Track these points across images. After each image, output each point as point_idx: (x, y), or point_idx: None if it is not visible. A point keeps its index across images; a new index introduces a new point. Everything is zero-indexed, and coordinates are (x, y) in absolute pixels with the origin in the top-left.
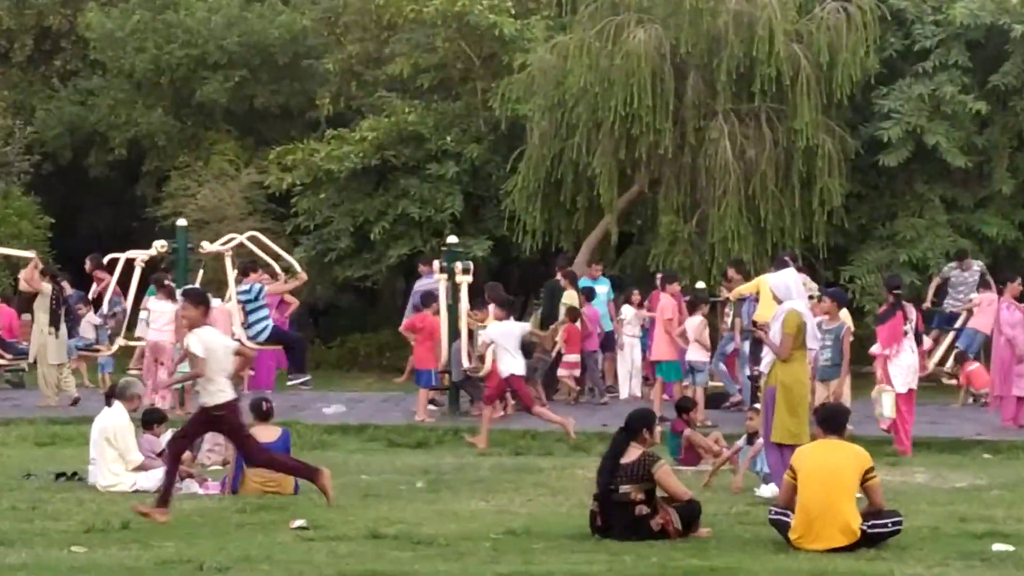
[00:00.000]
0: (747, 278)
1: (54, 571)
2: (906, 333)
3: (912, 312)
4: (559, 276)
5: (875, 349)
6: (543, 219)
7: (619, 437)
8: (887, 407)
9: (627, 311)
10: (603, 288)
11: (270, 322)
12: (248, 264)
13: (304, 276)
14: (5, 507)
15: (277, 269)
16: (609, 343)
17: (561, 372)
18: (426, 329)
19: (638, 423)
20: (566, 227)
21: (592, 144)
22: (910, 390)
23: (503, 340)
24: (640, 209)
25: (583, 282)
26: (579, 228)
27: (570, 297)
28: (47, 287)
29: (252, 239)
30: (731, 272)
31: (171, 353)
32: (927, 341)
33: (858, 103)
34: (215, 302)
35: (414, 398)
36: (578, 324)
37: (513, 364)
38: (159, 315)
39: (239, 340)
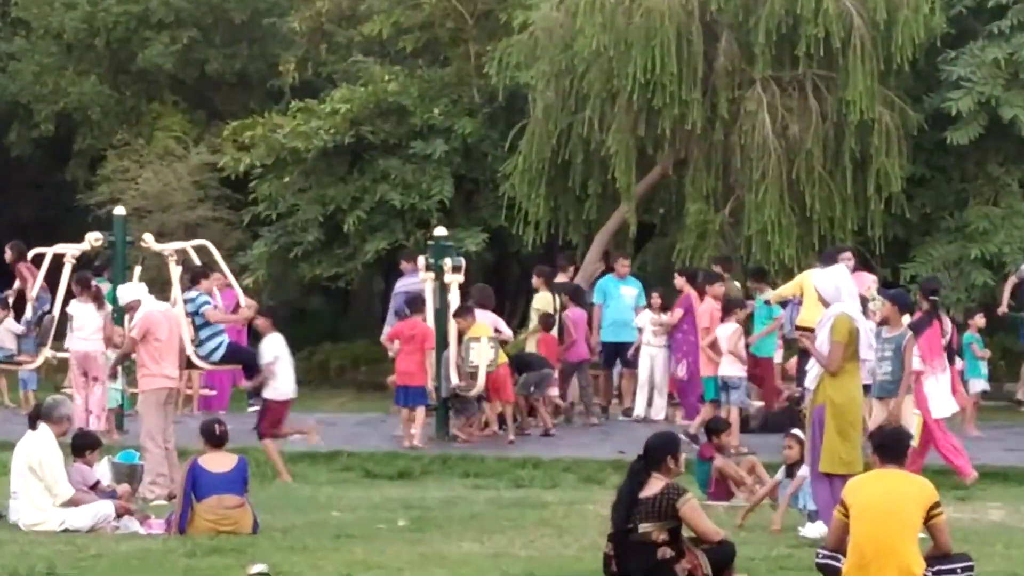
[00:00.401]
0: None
1: None
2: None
3: (948, 324)
4: (535, 276)
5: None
6: (548, 207)
7: (638, 466)
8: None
9: (644, 317)
10: (631, 290)
11: (225, 337)
12: (200, 269)
13: (251, 310)
14: None
15: (231, 280)
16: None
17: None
18: (416, 338)
19: (660, 450)
20: (575, 216)
21: (606, 118)
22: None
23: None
24: (663, 195)
25: (607, 281)
26: (591, 217)
27: (543, 301)
28: None
29: (200, 250)
30: (716, 269)
31: (102, 365)
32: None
33: (921, 70)
34: (163, 306)
35: (396, 420)
36: (554, 332)
37: None
38: (85, 321)
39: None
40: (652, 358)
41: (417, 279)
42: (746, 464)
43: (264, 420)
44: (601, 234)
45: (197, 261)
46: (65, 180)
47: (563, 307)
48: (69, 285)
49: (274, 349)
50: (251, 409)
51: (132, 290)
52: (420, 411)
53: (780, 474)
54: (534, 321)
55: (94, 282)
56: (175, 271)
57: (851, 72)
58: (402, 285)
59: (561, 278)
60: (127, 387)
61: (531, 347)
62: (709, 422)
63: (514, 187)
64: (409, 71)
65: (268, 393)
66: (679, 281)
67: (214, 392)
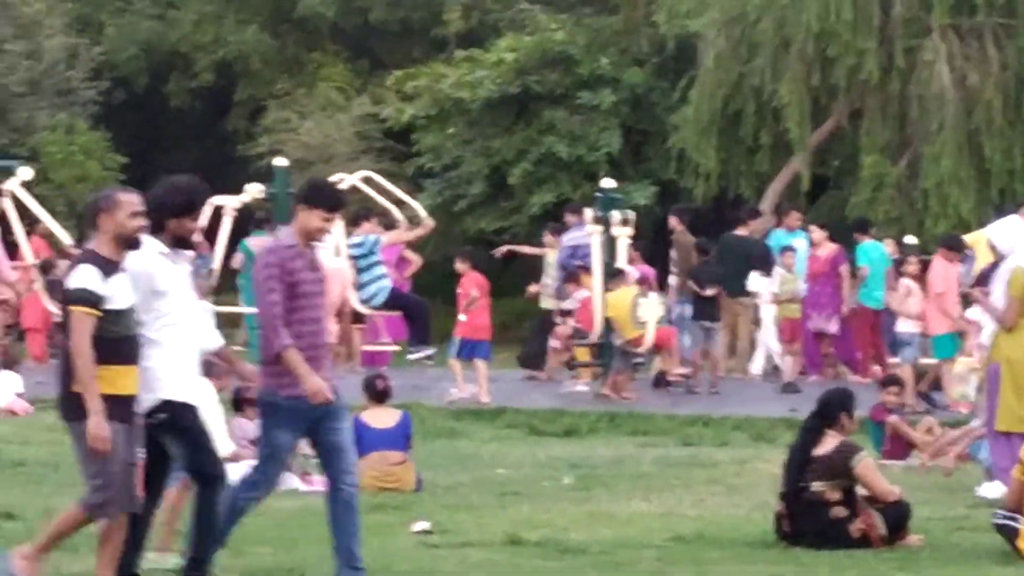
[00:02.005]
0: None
1: None
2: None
3: None
4: (548, 235)
5: (973, 314)
6: (718, 159)
7: (811, 423)
8: (972, 388)
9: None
10: (801, 242)
11: (388, 282)
12: (361, 211)
13: (431, 223)
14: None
15: (398, 216)
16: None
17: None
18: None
19: (834, 406)
20: (746, 169)
21: (779, 68)
22: None
23: None
24: (837, 147)
25: (779, 235)
26: (762, 170)
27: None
28: None
29: (367, 181)
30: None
31: None
32: None
33: None
34: (332, 262)
35: (562, 376)
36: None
37: None
38: None
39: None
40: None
41: (583, 233)
42: (924, 425)
43: None
44: (773, 187)
45: (372, 193)
46: (225, 131)
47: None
48: (230, 236)
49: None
50: (411, 357)
51: None
52: (482, 365)
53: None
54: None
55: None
56: (339, 226)
57: None
58: (568, 239)
59: (742, 232)
60: None
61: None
62: (883, 379)
63: (684, 139)
64: (576, 19)
65: None
66: (818, 236)
67: (390, 346)
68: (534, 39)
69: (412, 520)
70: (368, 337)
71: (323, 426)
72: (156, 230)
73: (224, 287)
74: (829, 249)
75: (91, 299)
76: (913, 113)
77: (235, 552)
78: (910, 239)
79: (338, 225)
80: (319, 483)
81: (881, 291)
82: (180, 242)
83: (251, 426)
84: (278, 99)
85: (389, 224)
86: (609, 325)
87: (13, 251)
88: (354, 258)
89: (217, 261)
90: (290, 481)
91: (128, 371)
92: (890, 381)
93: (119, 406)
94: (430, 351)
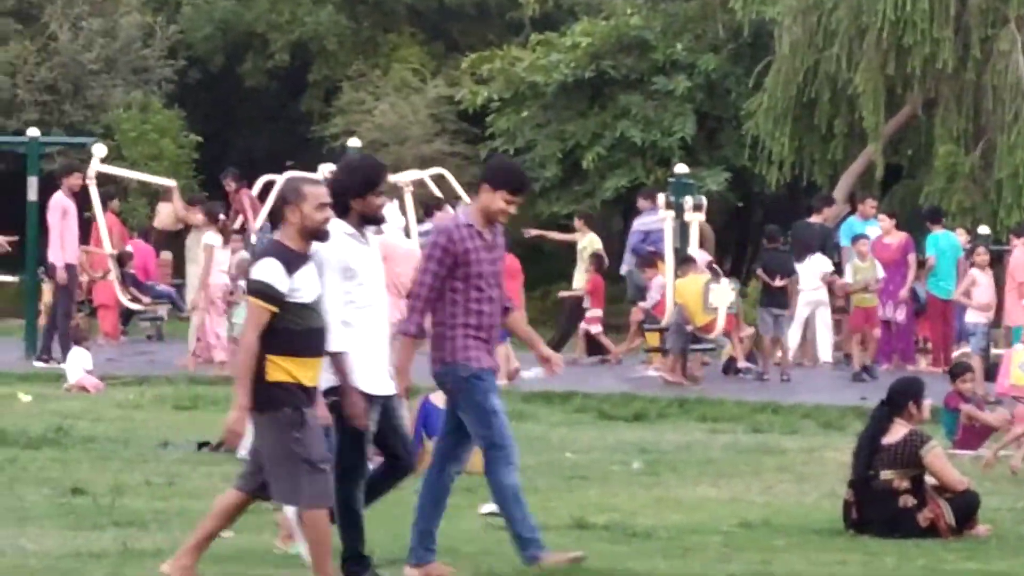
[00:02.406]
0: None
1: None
2: None
3: None
4: (577, 220)
5: None
6: (792, 147)
7: (880, 412)
8: None
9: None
10: (875, 230)
11: None
12: (434, 201)
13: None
14: (138, 482)
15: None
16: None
17: (592, 328)
18: (515, 275)
19: (904, 395)
20: (820, 157)
21: (854, 56)
22: None
23: None
24: (912, 136)
25: (852, 222)
26: (836, 158)
27: (591, 241)
28: (202, 219)
29: (438, 179)
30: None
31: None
32: None
33: None
34: (403, 241)
35: (633, 360)
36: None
37: None
38: (219, 255)
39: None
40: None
41: (656, 217)
42: (997, 417)
43: None
44: (847, 175)
45: (436, 191)
46: (299, 112)
47: None
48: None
49: None
50: None
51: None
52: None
53: None
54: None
55: (221, 216)
56: (410, 202)
57: None
58: (640, 223)
59: (815, 219)
60: None
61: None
62: (953, 367)
63: (758, 125)
64: (652, 4)
65: None
66: (887, 224)
67: None
68: (610, 24)
69: (480, 502)
70: None
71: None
72: (342, 213)
73: None
74: (899, 237)
75: (269, 294)
76: (988, 103)
77: None
78: (983, 229)
79: (409, 207)
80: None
81: (951, 281)
82: (367, 220)
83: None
84: (353, 80)
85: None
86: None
87: (90, 231)
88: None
89: None
90: None
91: (314, 363)
92: (962, 369)
93: (301, 396)
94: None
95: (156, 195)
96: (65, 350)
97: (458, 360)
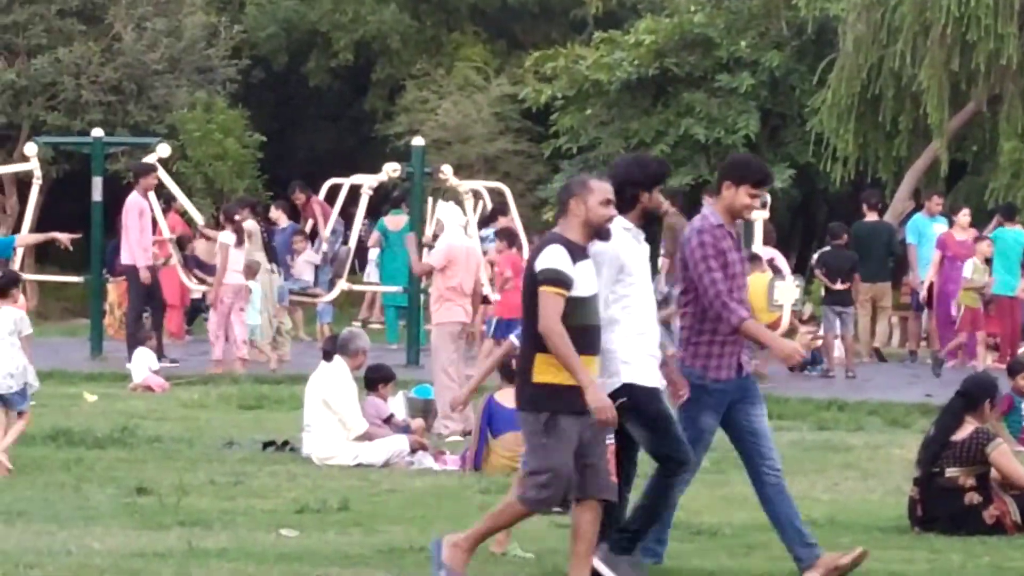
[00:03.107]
0: None
1: (259, 558)
2: None
3: None
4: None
5: None
6: (856, 143)
7: (953, 408)
8: None
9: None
10: (942, 227)
11: None
12: (496, 206)
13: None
14: (203, 481)
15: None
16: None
17: None
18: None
19: (980, 393)
20: (884, 153)
21: (918, 52)
22: None
23: None
24: (977, 132)
25: (919, 220)
26: (900, 155)
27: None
28: (252, 225)
29: (496, 193)
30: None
31: (241, 297)
32: None
33: None
34: (468, 241)
35: None
36: None
37: None
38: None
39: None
40: None
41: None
42: None
43: None
44: (911, 171)
45: (489, 204)
46: (363, 111)
47: None
48: (366, 215)
49: None
50: None
51: (451, 212)
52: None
53: None
54: None
55: (237, 216)
56: (469, 207)
57: None
58: None
59: (870, 217)
60: (425, 324)
61: None
62: (1011, 364)
63: (822, 122)
64: (716, 2)
65: None
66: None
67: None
68: (673, 21)
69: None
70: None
71: (740, 411)
72: (626, 207)
73: (356, 265)
74: (971, 233)
75: (562, 280)
76: None
77: (368, 531)
78: None
79: (468, 205)
80: (453, 462)
81: (1016, 278)
82: (648, 217)
83: (384, 405)
84: (416, 79)
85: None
86: None
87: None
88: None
89: (353, 239)
90: (425, 461)
91: (588, 361)
92: (1021, 367)
93: (577, 397)
94: None
95: (221, 193)
96: (131, 350)
97: (695, 366)
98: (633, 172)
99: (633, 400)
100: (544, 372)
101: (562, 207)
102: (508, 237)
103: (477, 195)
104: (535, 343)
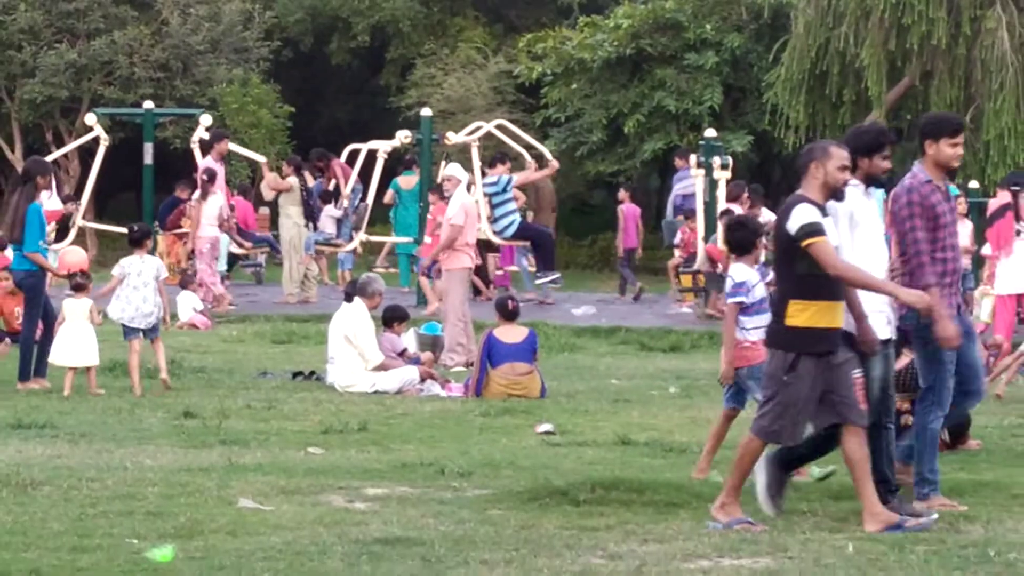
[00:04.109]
0: None
1: (290, 472)
2: (1019, 233)
3: None
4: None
5: (986, 250)
6: (807, 113)
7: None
8: (985, 311)
9: None
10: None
11: (517, 216)
12: (496, 154)
13: (556, 164)
14: (240, 406)
15: (528, 159)
16: None
17: None
18: None
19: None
20: (831, 122)
21: (860, 34)
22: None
23: None
24: (910, 103)
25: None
26: (844, 123)
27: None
28: (294, 181)
29: (500, 128)
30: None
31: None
32: None
33: None
34: (470, 198)
35: (667, 300)
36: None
37: None
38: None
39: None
40: None
41: (689, 175)
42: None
43: None
44: None
45: (506, 139)
46: (378, 86)
47: (620, 201)
48: (381, 176)
49: None
50: (539, 282)
51: (458, 170)
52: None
53: None
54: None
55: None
56: (476, 157)
57: None
58: (680, 187)
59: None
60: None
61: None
62: None
63: (777, 95)
64: None
65: None
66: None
67: (500, 272)
68: (647, 7)
69: (537, 422)
70: (501, 262)
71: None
72: (852, 170)
73: (375, 219)
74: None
75: (822, 229)
76: (977, 74)
77: (384, 448)
78: (973, 184)
79: (476, 163)
80: (457, 389)
81: None
82: (870, 180)
83: (398, 340)
84: (424, 58)
85: (518, 167)
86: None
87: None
88: (489, 195)
89: (370, 196)
90: (433, 388)
91: (833, 307)
92: None
93: (820, 339)
94: (556, 275)
95: (255, 161)
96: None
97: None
98: (852, 140)
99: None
100: (795, 316)
101: (803, 169)
102: (439, 191)
103: (489, 135)
104: (788, 291)
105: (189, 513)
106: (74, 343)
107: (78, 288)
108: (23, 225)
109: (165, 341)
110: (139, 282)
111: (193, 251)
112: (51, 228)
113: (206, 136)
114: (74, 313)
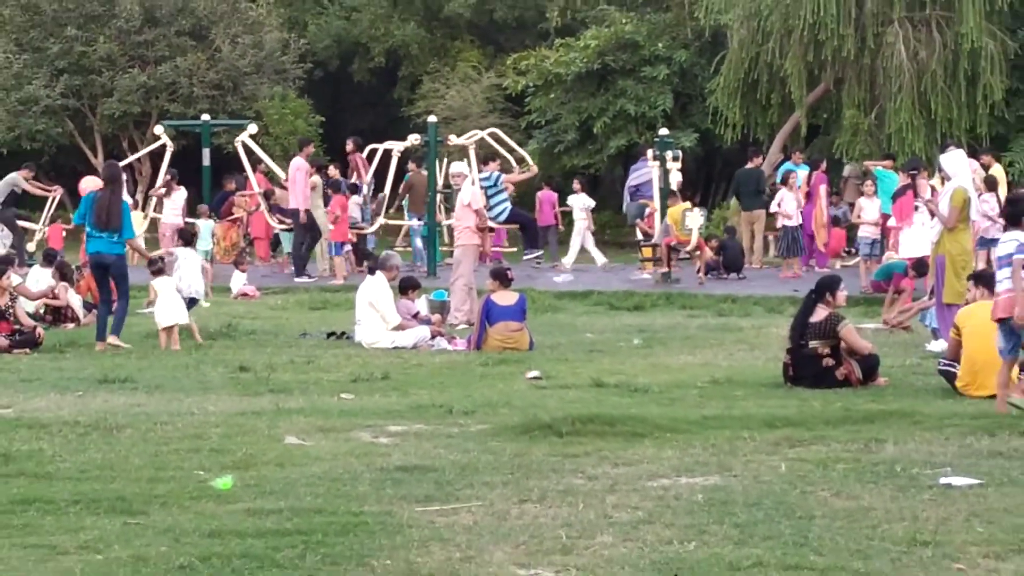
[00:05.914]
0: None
1: (326, 414)
2: (916, 208)
3: (926, 190)
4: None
5: (891, 223)
6: (742, 114)
7: (809, 299)
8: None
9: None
10: (804, 172)
11: (508, 204)
12: (488, 155)
13: (535, 169)
14: (285, 361)
15: (511, 161)
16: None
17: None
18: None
19: (824, 288)
20: (762, 121)
21: (784, 48)
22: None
23: None
24: (826, 104)
25: (787, 166)
26: (773, 122)
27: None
28: (317, 180)
29: (492, 135)
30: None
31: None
32: None
33: (1017, 9)
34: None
35: (631, 268)
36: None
37: None
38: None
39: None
40: None
41: (647, 166)
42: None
43: None
44: (780, 134)
45: (494, 144)
46: (392, 98)
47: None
48: (396, 170)
49: None
50: (525, 258)
51: (464, 167)
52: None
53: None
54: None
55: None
56: (472, 155)
57: (965, 12)
58: (636, 175)
59: (749, 165)
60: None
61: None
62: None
63: (717, 99)
64: (640, 15)
65: None
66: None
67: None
68: (611, 30)
69: (527, 370)
70: (495, 242)
71: None
72: None
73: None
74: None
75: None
76: (879, 79)
77: (403, 393)
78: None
79: (472, 162)
80: (461, 344)
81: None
82: None
83: (412, 305)
84: (430, 75)
85: (506, 169)
86: (666, 231)
87: (243, 183)
88: (484, 188)
89: (387, 188)
90: (441, 344)
91: None
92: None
93: None
94: (539, 253)
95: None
96: (299, 270)
97: None
98: None
99: None
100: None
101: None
102: (335, 186)
103: (481, 141)
104: None
105: (245, 449)
106: (170, 308)
107: (158, 272)
108: (119, 217)
109: (222, 310)
110: (187, 266)
111: (246, 234)
112: None
113: (247, 140)
114: (164, 288)
